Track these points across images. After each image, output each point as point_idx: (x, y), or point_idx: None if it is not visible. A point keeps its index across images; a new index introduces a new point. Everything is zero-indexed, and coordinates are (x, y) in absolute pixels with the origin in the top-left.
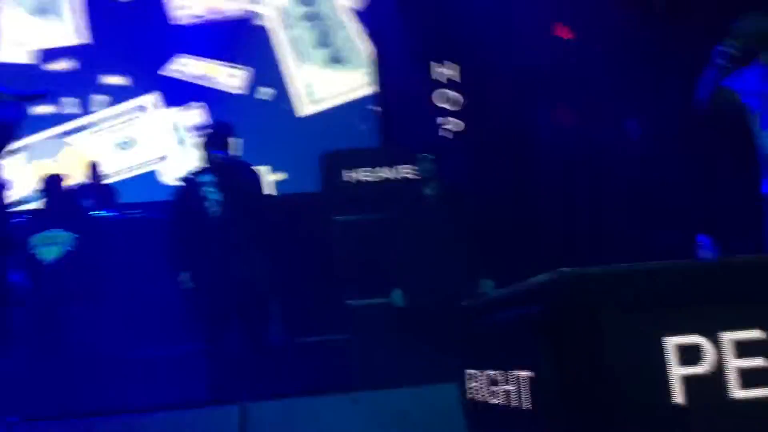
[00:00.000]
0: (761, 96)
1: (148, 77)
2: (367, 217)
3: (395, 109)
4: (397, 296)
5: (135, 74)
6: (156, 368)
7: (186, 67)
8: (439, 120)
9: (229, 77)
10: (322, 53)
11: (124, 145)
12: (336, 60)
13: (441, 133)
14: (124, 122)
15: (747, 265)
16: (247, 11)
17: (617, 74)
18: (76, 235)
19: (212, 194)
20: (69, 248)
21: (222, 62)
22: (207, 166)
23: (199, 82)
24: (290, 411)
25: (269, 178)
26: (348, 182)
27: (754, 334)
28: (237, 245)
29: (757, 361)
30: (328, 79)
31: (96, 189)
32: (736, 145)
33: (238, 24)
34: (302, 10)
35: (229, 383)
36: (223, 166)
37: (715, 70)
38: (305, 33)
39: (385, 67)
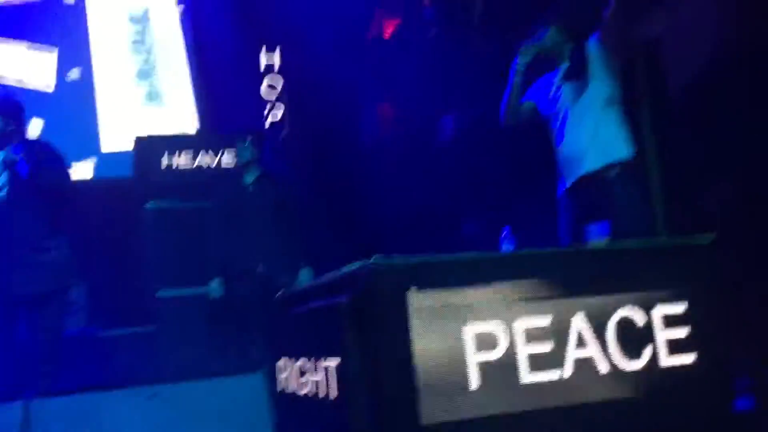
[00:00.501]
0: (554, 103)
1: None
2: (183, 204)
3: (217, 97)
4: (214, 287)
5: None
6: None
7: None
8: (261, 109)
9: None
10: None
11: None
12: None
13: (262, 121)
14: None
15: (540, 256)
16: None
17: (436, 74)
18: None
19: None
20: None
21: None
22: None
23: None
24: (80, 407)
25: (79, 163)
26: (165, 168)
27: (544, 321)
28: (31, 230)
29: (545, 347)
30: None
31: None
32: (539, 151)
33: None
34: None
35: (15, 379)
36: (19, 145)
37: (509, 87)
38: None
39: (208, 53)
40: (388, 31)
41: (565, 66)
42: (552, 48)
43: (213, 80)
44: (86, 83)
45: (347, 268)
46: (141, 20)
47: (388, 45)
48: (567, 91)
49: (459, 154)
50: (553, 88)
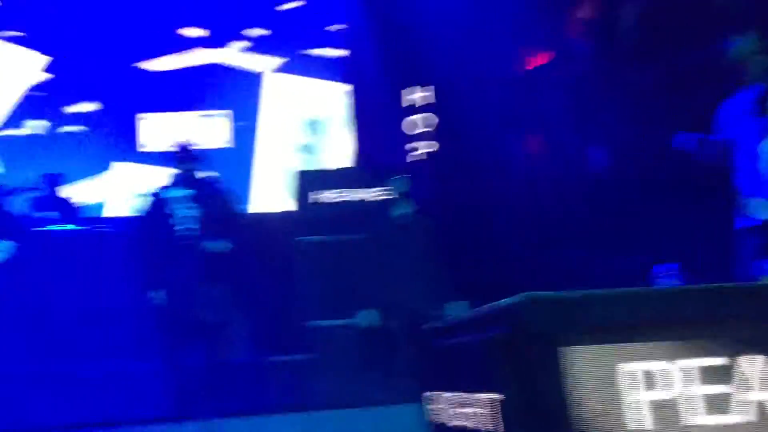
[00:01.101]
0: (741, 125)
1: None
2: (334, 237)
3: (367, 132)
4: (363, 317)
5: None
6: (114, 384)
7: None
8: (411, 144)
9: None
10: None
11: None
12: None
13: (412, 156)
14: None
15: (704, 292)
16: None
17: (585, 104)
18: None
19: (181, 210)
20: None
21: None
22: (177, 181)
23: None
24: (253, 428)
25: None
26: (316, 203)
27: (711, 361)
28: (204, 263)
29: (717, 388)
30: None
31: (55, 201)
32: (710, 181)
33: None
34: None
35: (192, 400)
36: (195, 182)
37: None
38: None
39: (360, 90)
40: (537, 63)
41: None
42: (741, 59)
43: (361, 113)
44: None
45: (502, 302)
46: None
47: (536, 77)
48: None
49: (611, 186)
50: (740, 112)
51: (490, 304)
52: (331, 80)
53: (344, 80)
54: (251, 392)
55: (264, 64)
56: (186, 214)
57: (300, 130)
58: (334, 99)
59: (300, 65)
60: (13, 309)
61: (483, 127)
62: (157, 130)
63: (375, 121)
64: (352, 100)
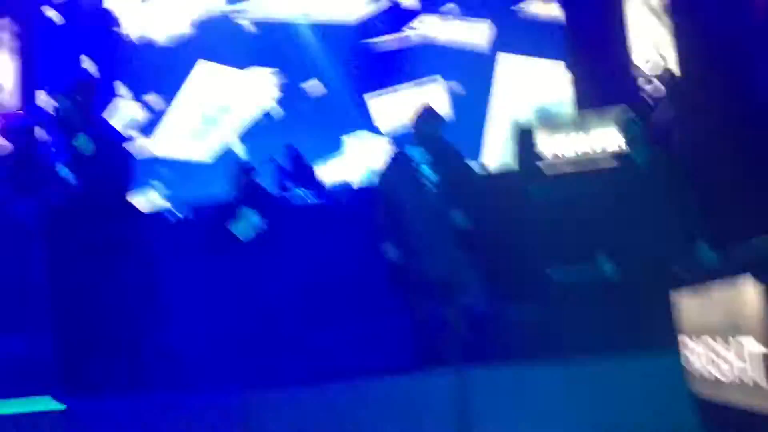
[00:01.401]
0: None
1: None
2: (569, 189)
3: (590, 73)
4: (604, 265)
5: None
6: (361, 337)
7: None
8: (641, 81)
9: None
10: None
11: None
12: None
13: (645, 92)
14: None
15: None
16: None
17: None
18: (266, 219)
19: (424, 170)
20: (261, 229)
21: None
22: (420, 142)
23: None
24: (505, 378)
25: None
26: (544, 151)
27: None
28: (447, 221)
29: None
30: None
31: (298, 171)
32: None
33: None
34: None
35: (440, 352)
36: (437, 143)
37: None
38: None
39: (579, 30)
40: None
41: None
42: None
43: (582, 59)
44: None
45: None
46: None
47: None
48: None
49: None
50: None
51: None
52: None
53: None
54: (496, 343)
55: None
56: (428, 174)
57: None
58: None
59: None
60: (281, 277)
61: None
62: (385, 106)
63: (598, 60)
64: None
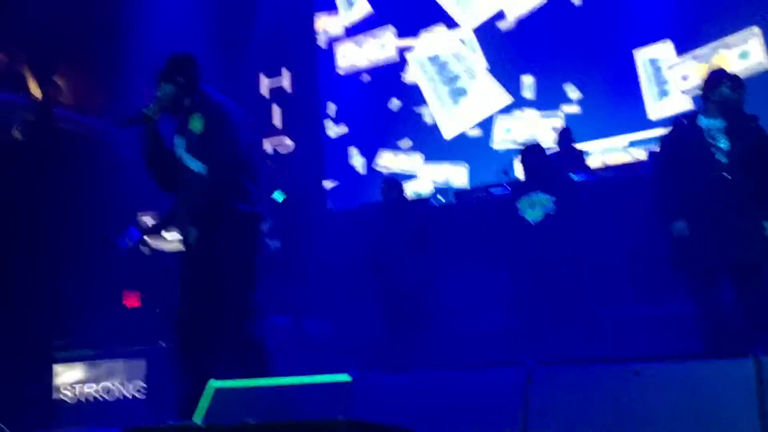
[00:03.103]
0: None
1: None
2: None
3: None
4: None
5: None
6: (641, 326)
7: None
8: None
9: None
10: None
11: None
12: None
13: None
14: None
15: None
16: None
17: None
18: (554, 198)
19: (719, 141)
20: (550, 211)
21: None
22: (709, 109)
23: None
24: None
25: None
26: None
27: None
28: (745, 200)
29: None
30: None
31: (568, 154)
32: None
33: None
34: None
35: (728, 342)
36: (732, 110)
37: None
38: None
39: None
40: None
41: None
42: None
43: None
44: None
45: None
46: None
47: None
48: None
49: None
50: None
51: None
52: None
53: None
54: None
55: None
56: (722, 146)
57: None
58: None
59: None
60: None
61: None
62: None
63: None
64: None
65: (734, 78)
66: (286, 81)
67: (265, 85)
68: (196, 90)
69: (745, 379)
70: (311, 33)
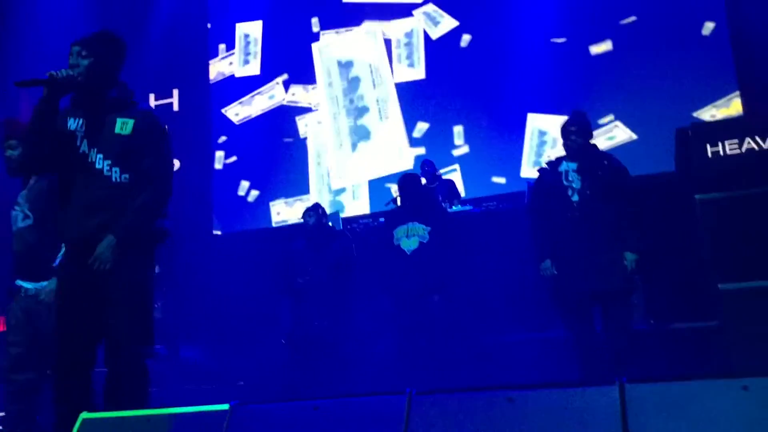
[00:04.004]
0: None
1: None
2: (737, 192)
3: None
4: None
5: None
6: (520, 352)
7: None
8: None
9: None
10: None
11: None
12: None
13: None
14: None
15: None
16: None
17: None
18: (430, 228)
19: (575, 183)
20: (425, 240)
21: None
22: (567, 154)
23: None
24: (668, 394)
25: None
26: (712, 157)
27: None
28: (600, 232)
29: None
30: None
31: (443, 185)
32: None
33: None
34: None
35: (599, 368)
36: (586, 154)
37: None
38: None
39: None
40: None
41: None
42: None
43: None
44: None
45: None
46: None
47: None
48: None
49: None
50: None
51: None
52: None
53: None
54: (657, 359)
55: None
56: (575, 186)
57: None
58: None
59: None
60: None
61: None
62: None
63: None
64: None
65: (579, 123)
66: (175, 101)
67: (152, 104)
68: (117, 83)
69: (612, 405)
70: (205, 64)
